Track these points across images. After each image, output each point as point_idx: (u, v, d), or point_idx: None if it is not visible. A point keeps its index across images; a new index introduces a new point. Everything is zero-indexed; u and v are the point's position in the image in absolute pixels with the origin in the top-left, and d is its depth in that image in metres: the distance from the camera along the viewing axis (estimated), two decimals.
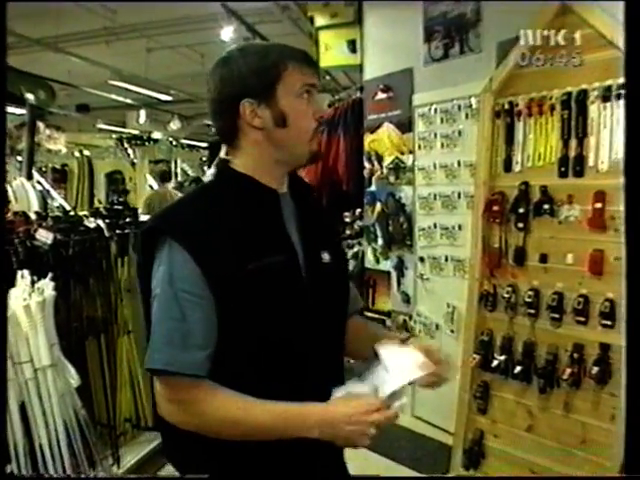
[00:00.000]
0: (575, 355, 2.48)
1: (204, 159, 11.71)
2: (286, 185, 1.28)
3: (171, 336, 1.12)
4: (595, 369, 2.39)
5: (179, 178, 10.16)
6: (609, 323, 2.38)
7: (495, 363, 2.77)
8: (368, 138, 3.90)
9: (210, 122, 1.30)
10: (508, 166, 2.79)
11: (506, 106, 2.77)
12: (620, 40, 2.35)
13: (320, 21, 4.16)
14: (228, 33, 3.99)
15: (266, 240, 1.19)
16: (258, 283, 1.15)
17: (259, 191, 1.22)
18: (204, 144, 11.49)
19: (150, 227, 1.20)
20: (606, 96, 2.40)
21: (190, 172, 10.96)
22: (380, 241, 3.88)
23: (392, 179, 3.72)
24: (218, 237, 1.15)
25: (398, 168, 3.68)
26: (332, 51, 4.25)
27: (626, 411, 1.00)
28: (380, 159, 3.80)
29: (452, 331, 3.36)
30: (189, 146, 11.36)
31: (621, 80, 2.35)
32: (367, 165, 3.92)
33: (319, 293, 1.24)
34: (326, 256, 1.29)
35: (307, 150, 1.23)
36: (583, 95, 2.46)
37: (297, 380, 1.21)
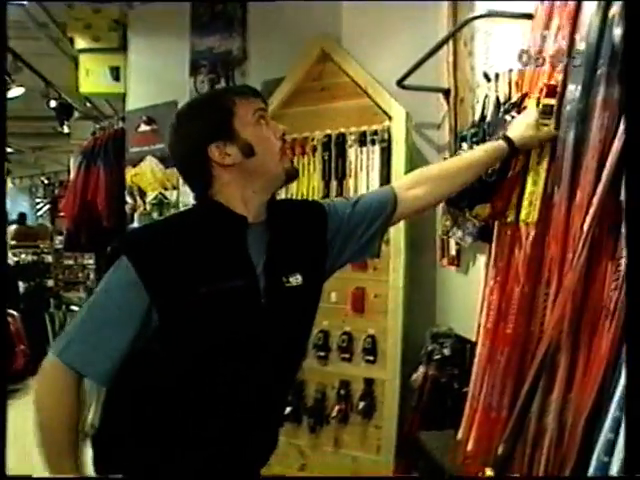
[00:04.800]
0: (342, 392, 2.53)
1: None
2: (263, 215, 1.28)
3: (87, 336, 1.16)
4: (361, 404, 2.46)
5: None
6: (371, 358, 2.48)
7: None
8: (130, 172, 3.67)
9: None
10: None
11: None
12: (370, 90, 2.51)
13: (81, 44, 3.82)
14: None
15: (225, 265, 1.21)
16: (210, 307, 1.17)
17: (227, 217, 1.23)
18: None
19: (111, 246, 1.21)
20: (362, 140, 2.52)
21: None
22: None
23: (155, 215, 3.53)
24: (173, 259, 1.17)
25: (162, 204, 3.52)
26: (93, 77, 3.93)
27: (626, 413, 1.01)
28: (143, 194, 3.60)
29: None
30: None
31: (374, 127, 2.49)
32: (129, 200, 3.68)
33: (278, 320, 1.25)
34: (296, 278, 1.27)
35: (281, 169, 1.26)
36: (342, 138, 2.57)
37: (232, 405, 1.23)
